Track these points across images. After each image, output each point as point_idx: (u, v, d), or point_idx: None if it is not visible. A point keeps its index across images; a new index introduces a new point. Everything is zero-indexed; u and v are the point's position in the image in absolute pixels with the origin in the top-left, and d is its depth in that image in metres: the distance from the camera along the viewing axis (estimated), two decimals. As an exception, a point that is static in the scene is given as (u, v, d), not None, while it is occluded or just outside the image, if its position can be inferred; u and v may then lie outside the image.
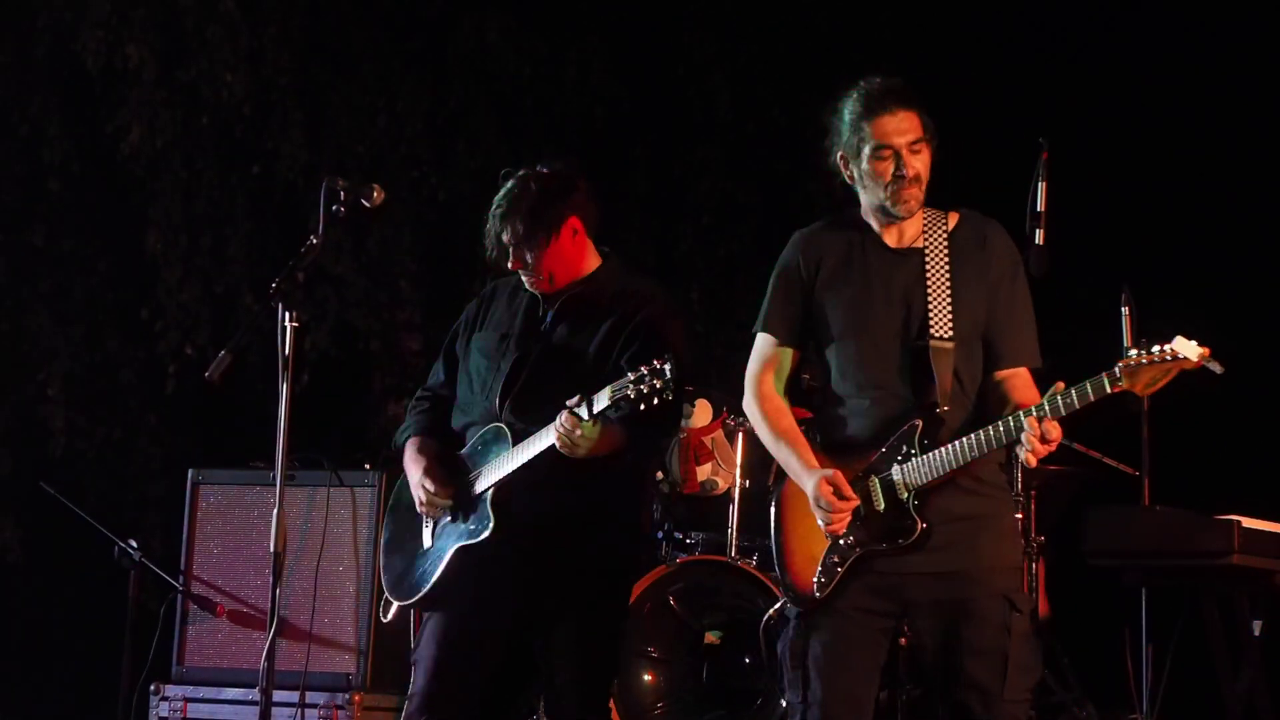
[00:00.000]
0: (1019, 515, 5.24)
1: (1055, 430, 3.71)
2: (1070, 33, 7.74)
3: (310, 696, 5.61)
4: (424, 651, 4.52)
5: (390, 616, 4.65)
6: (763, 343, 4.14)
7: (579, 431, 4.20)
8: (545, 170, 4.56)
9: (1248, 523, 4.75)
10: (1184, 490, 5.23)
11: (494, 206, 4.55)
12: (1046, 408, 3.71)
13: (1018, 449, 3.76)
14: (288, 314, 4.23)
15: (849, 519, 3.93)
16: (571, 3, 8.89)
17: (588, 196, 4.58)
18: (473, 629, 4.49)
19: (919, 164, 3.94)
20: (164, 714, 5.84)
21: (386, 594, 4.70)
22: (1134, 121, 7.36)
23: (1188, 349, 3.56)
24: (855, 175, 4.00)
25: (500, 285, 4.76)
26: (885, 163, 3.93)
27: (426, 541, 4.59)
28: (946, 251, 3.97)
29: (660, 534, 6.17)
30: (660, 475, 6.18)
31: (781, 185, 8.93)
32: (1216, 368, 3.56)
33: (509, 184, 4.55)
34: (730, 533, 5.83)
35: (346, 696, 5.62)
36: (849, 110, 3.96)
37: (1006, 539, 4.01)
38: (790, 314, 4.09)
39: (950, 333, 3.90)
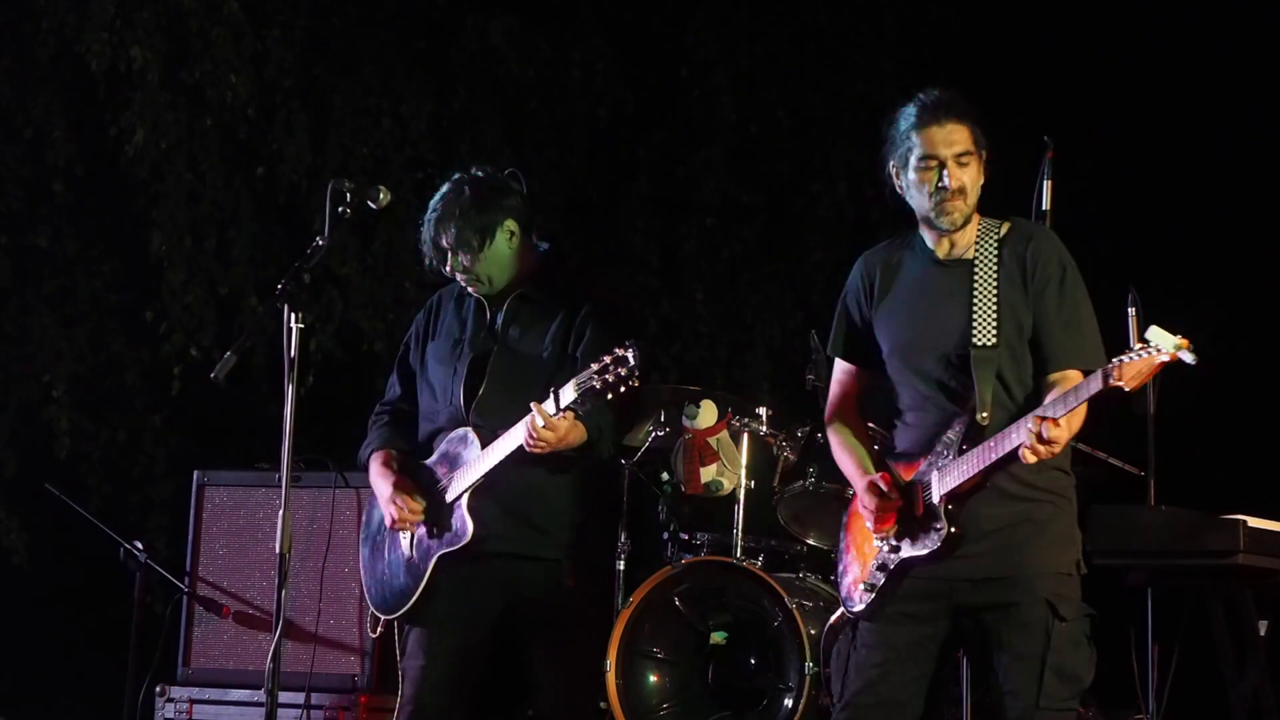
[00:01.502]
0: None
1: (1053, 430, 3.69)
2: (1075, 30, 7.73)
3: (316, 698, 5.61)
4: (411, 662, 4.55)
5: (379, 631, 4.67)
6: (835, 367, 4.24)
7: (546, 427, 4.22)
8: (480, 174, 4.60)
9: (1254, 522, 4.74)
10: (1189, 490, 5.22)
11: (429, 210, 4.58)
12: (1047, 409, 3.73)
13: (1021, 448, 3.75)
14: (293, 315, 4.23)
15: (893, 519, 3.96)
16: (575, 4, 8.89)
17: (522, 198, 4.60)
18: (458, 638, 4.52)
19: (965, 176, 3.96)
20: (170, 715, 5.85)
21: (373, 610, 4.71)
22: (1140, 119, 7.36)
23: (1164, 340, 3.56)
24: (904, 186, 4.03)
25: (444, 294, 4.79)
26: (929, 173, 3.95)
27: (406, 553, 4.59)
28: (996, 260, 3.98)
29: (666, 535, 6.16)
30: (665, 476, 6.17)
31: (785, 186, 8.93)
32: (1189, 358, 3.55)
33: (444, 188, 4.58)
34: (736, 534, 5.82)
35: (352, 698, 5.62)
36: (903, 120, 4.00)
37: (1055, 545, 3.95)
38: (851, 335, 4.17)
39: (994, 339, 3.91)
